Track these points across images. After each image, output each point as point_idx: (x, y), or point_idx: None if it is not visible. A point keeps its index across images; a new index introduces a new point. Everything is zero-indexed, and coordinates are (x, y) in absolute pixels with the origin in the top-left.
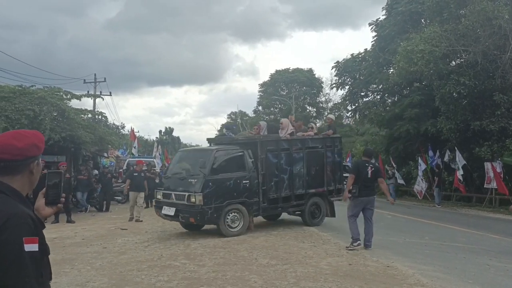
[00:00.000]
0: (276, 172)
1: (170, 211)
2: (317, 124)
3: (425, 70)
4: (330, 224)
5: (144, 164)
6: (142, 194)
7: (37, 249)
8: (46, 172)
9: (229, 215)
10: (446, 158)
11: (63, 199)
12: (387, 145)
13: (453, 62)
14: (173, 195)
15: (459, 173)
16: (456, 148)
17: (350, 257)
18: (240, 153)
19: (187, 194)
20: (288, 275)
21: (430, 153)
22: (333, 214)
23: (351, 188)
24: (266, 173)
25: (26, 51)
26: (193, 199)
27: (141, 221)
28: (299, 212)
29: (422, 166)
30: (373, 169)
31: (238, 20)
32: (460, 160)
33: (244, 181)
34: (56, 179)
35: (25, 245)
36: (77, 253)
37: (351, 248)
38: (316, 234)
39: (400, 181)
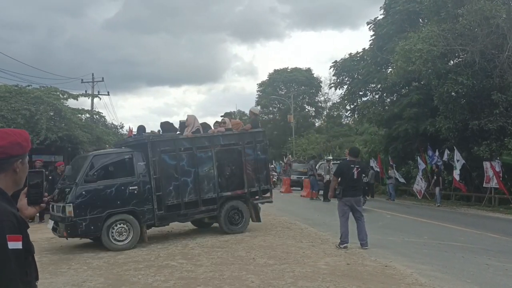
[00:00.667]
0: (176, 175)
1: (50, 224)
2: (317, 124)
3: (423, 69)
4: (329, 224)
5: None
6: None
7: (21, 247)
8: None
9: (114, 227)
10: (445, 157)
11: (46, 198)
12: (386, 145)
13: (451, 62)
14: (54, 206)
15: (456, 172)
16: (455, 147)
17: (348, 256)
18: (127, 157)
19: (61, 205)
20: (286, 274)
21: (429, 152)
22: (258, 219)
23: (335, 189)
24: (161, 177)
25: (25, 51)
26: (64, 211)
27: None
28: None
29: (421, 165)
30: (359, 169)
31: (237, 20)
32: (459, 159)
33: (130, 187)
34: (38, 179)
35: (8, 242)
36: (74, 253)
37: (338, 247)
38: (315, 233)
39: (401, 180)
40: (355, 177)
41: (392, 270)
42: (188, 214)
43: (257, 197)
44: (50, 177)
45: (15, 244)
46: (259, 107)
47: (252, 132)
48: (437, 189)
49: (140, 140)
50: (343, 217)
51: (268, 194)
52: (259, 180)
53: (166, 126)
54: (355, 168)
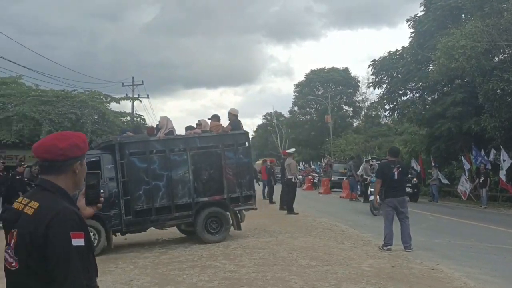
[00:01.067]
0: (146, 178)
1: None
2: (354, 124)
3: (467, 66)
4: (371, 225)
5: None
6: None
7: (84, 244)
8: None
9: None
10: (491, 157)
11: (102, 199)
12: (427, 145)
13: (496, 58)
14: None
15: (502, 173)
16: (501, 146)
17: (393, 259)
18: (94, 159)
19: None
20: (329, 276)
21: (474, 152)
22: (238, 227)
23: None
24: (129, 181)
25: (68, 56)
26: None
27: None
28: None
29: (466, 165)
30: (400, 169)
31: (272, 21)
32: (505, 159)
33: None
34: (95, 180)
35: (72, 239)
36: (120, 252)
37: (382, 249)
38: (357, 235)
39: (444, 181)
40: (396, 177)
41: (439, 273)
42: (159, 220)
43: (239, 203)
44: None
45: (78, 241)
46: (236, 108)
47: (233, 134)
48: (484, 190)
49: (109, 142)
50: (386, 219)
51: (251, 201)
52: (241, 185)
53: (124, 130)
54: (395, 168)
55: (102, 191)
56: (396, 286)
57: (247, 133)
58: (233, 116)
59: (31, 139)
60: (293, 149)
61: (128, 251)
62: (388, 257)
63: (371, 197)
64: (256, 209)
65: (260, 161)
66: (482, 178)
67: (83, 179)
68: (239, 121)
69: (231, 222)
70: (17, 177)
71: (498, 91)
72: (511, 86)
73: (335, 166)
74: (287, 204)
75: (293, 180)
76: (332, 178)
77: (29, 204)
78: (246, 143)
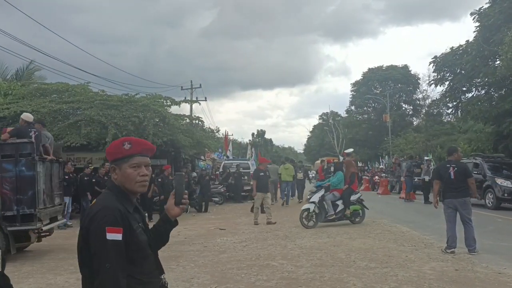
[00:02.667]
0: None
1: None
2: (415, 123)
3: None
4: (433, 227)
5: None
6: (269, 194)
7: (121, 239)
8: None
9: None
10: None
11: (184, 200)
12: (494, 143)
13: None
14: None
15: None
16: None
17: (456, 262)
18: None
19: None
20: (389, 278)
21: None
22: (13, 249)
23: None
24: None
25: (130, 62)
26: None
27: (274, 222)
28: None
29: None
30: (455, 169)
31: (329, 20)
32: None
33: None
34: (179, 181)
35: (107, 233)
36: (181, 251)
37: (444, 252)
38: (417, 237)
39: None
40: (452, 177)
41: (506, 277)
42: None
43: (15, 223)
44: (159, 180)
45: (114, 236)
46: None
47: (13, 143)
48: None
49: None
50: (448, 221)
51: (33, 221)
52: (21, 201)
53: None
54: (451, 168)
55: (186, 192)
56: None
57: (32, 142)
58: (23, 122)
59: (98, 142)
60: (351, 149)
61: (189, 250)
62: (452, 260)
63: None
64: (51, 233)
65: (318, 161)
66: None
67: (130, 182)
68: (28, 129)
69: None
70: (85, 178)
71: None
72: None
73: (405, 166)
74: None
75: None
76: (402, 179)
77: (92, 202)
78: (32, 153)
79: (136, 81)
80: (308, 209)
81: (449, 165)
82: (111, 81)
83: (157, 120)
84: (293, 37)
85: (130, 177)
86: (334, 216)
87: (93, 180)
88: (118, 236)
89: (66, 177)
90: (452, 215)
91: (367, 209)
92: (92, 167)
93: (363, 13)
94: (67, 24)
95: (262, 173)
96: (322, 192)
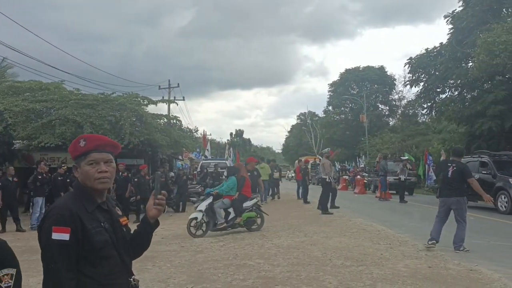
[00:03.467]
0: None
1: None
2: (391, 123)
3: (509, 62)
4: (408, 225)
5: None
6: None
7: (67, 239)
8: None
9: None
10: None
11: (158, 201)
12: (467, 143)
13: None
14: None
15: None
16: None
17: (430, 259)
18: None
19: None
20: (364, 276)
21: None
22: None
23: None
24: None
25: (107, 61)
26: None
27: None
28: None
29: None
30: (454, 168)
31: (307, 21)
32: None
33: None
34: (156, 181)
35: (53, 233)
36: (157, 251)
37: (426, 245)
38: (392, 235)
39: None
40: (449, 175)
41: (477, 274)
42: None
43: None
44: (135, 179)
45: (60, 235)
46: None
47: None
48: None
49: None
50: (436, 216)
51: None
52: None
53: None
54: (451, 166)
55: (164, 192)
56: (433, 287)
57: None
58: None
59: None
60: (327, 149)
61: (165, 250)
62: (425, 258)
63: None
64: None
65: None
66: None
67: (89, 179)
68: None
69: None
70: (59, 178)
71: None
72: None
73: (390, 165)
74: (321, 204)
75: (327, 180)
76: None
77: None
78: None
79: (113, 80)
80: (196, 217)
81: (450, 164)
82: (87, 79)
83: (134, 119)
84: (272, 37)
85: (88, 174)
86: (225, 224)
87: (68, 180)
88: (65, 236)
89: (40, 177)
90: (442, 212)
91: (267, 214)
92: (66, 167)
93: (341, 14)
94: (42, 22)
95: (249, 173)
96: (210, 200)
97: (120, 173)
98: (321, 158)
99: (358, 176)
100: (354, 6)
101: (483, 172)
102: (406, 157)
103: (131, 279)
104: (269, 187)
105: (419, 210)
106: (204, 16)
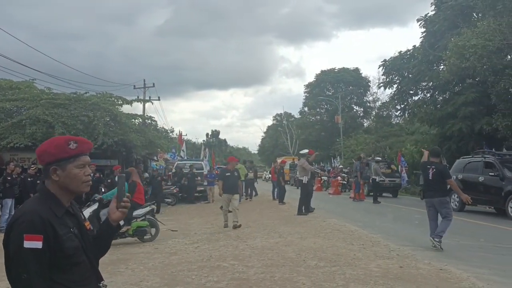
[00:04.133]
0: None
1: None
2: (365, 125)
3: (478, 65)
4: (381, 226)
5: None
6: (236, 196)
7: (40, 247)
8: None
9: None
10: None
11: (123, 203)
12: (439, 144)
13: (508, 56)
14: None
15: None
16: None
17: (401, 259)
18: None
19: None
20: (337, 277)
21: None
22: None
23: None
24: None
25: (81, 59)
26: None
27: (240, 225)
28: None
29: None
30: (434, 170)
31: (284, 22)
32: None
33: None
34: (119, 183)
35: (24, 241)
36: (130, 253)
37: (437, 245)
38: (366, 236)
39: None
40: (430, 177)
41: (447, 273)
42: None
43: None
44: (109, 180)
45: (32, 243)
46: None
47: None
48: None
49: None
50: (429, 219)
51: None
52: None
53: None
54: (431, 168)
55: (128, 194)
56: (404, 287)
57: None
58: None
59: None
60: (305, 150)
61: (138, 252)
62: (397, 258)
63: None
64: None
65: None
66: None
67: (76, 182)
68: None
69: None
70: (29, 179)
71: (510, 89)
72: None
73: (374, 166)
74: (304, 206)
75: (304, 182)
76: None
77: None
78: None
79: (86, 79)
80: None
81: (429, 166)
82: (59, 78)
83: (108, 119)
84: (248, 37)
85: (77, 177)
86: None
87: (38, 182)
88: (37, 244)
89: (9, 178)
90: (432, 213)
91: (163, 224)
92: (36, 168)
93: (317, 16)
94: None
95: (228, 173)
96: (95, 206)
97: (92, 174)
98: (299, 158)
99: (339, 177)
100: (330, 8)
101: (490, 174)
102: (380, 158)
103: (100, 284)
104: (244, 188)
105: (392, 211)
106: (181, 16)
